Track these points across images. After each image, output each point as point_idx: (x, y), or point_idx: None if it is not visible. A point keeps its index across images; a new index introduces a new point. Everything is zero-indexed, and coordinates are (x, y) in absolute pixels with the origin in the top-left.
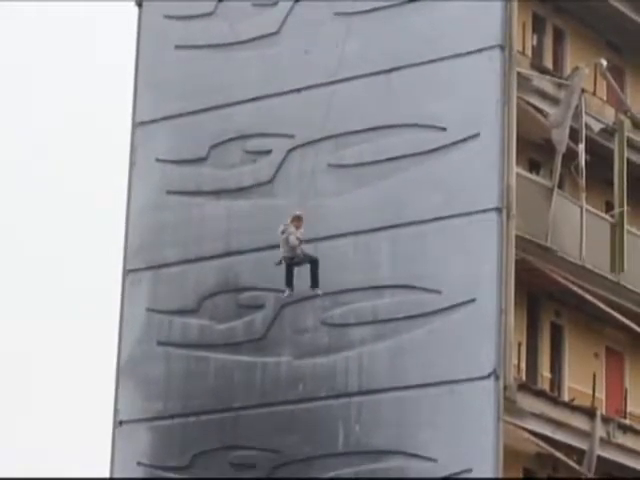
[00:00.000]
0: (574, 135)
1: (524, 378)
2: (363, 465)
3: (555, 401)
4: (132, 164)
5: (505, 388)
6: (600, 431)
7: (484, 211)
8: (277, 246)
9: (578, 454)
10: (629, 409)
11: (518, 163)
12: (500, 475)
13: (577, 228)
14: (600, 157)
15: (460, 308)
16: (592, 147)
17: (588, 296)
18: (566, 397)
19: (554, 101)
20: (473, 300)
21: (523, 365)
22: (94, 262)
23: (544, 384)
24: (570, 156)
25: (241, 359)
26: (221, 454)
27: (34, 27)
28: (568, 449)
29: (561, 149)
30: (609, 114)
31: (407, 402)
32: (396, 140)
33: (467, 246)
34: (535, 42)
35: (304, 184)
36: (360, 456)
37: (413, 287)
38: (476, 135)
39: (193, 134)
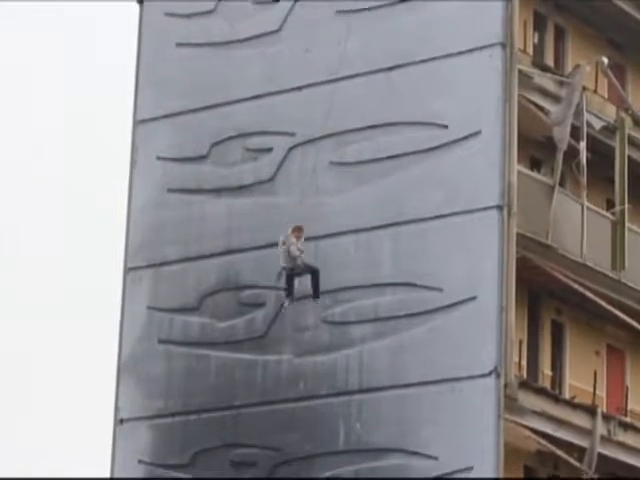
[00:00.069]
0: (575, 133)
1: (525, 376)
2: (364, 463)
3: (556, 399)
4: (133, 162)
5: (506, 386)
6: (601, 429)
7: (485, 209)
8: (278, 244)
9: (579, 452)
10: (630, 407)
11: (519, 161)
12: (501, 473)
13: (578, 226)
14: (601, 155)
15: (461, 306)
16: (593, 145)
17: (589, 294)
18: (567, 395)
19: (555, 99)
20: (474, 298)
21: (524, 363)
22: (95, 260)
23: (545, 382)
24: (571, 154)
25: (242, 357)
26: (222, 452)
27: (34, 26)
28: (569, 447)
29: (562, 147)
30: (610, 112)
31: (408, 400)
32: (397, 138)
33: (468, 244)
34: (536, 40)
35: (305, 182)
36: (361, 454)
37: (414, 285)
38: (477, 133)
39: (194, 132)
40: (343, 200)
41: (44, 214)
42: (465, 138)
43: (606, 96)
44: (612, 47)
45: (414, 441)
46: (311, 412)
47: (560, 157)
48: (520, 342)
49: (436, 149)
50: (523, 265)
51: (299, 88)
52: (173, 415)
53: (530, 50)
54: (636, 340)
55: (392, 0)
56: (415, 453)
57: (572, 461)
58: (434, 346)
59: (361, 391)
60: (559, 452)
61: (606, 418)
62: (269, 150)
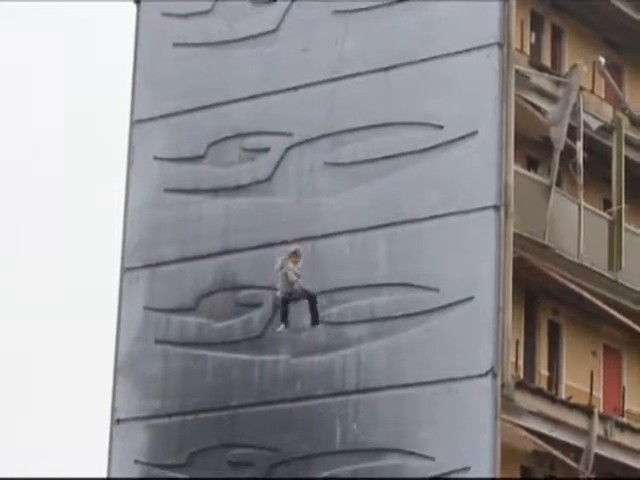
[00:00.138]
0: (572, 133)
1: (522, 376)
2: (361, 463)
3: (553, 399)
4: (130, 162)
5: (503, 386)
6: (598, 429)
7: (482, 209)
8: (275, 244)
9: (575, 452)
10: (626, 407)
11: (516, 161)
12: (498, 473)
13: (575, 226)
14: (598, 155)
15: (458, 306)
16: (590, 145)
17: (586, 294)
18: (564, 395)
19: (552, 99)
20: (471, 298)
21: (521, 363)
22: (92, 260)
23: (542, 382)
24: (568, 154)
25: (239, 357)
26: (219, 452)
27: (33, 26)
28: (565, 447)
29: (559, 147)
30: (607, 112)
31: (405, 400)
32: (394, 138)
33: (465, 244)
34: (533, 40)
35: (302, 182)
36: (358, 454)
37: (410, 285)
38: (474, 133)
39: (191, 132)
40: (340, 200)
41: (41, 213)
42: (462, 138)
43: (603, 96)
44: (609, 47)
45: (411, 441)
46: (308, 412)
47: (557, 157)
48: (517, 342)
49: (433, 149)
50: (520, 265)
51: (296, 88)
52: (170, 415)
53: (527, 50)
54: (633, 340)
55: (389, 0)
56: (412, 453)
57: (569, 461)
58: (431, 346)
59: (358, 391)
60: (556, 452)
61: (603, 418)
62: (266, 150)
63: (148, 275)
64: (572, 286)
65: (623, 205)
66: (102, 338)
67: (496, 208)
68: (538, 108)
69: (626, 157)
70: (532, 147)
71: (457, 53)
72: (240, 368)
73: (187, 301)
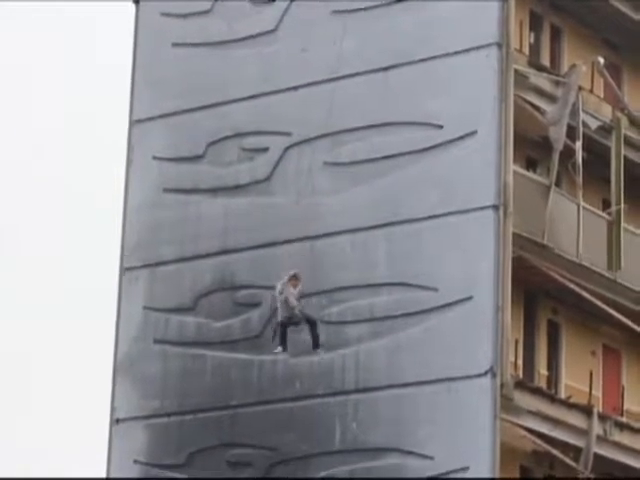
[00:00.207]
0: (571, 133)
1: (521, 376)
2: (360, 463)
3: (552, 399)
4: (129, 162)
5: (502, 386)
6: (597, 429)
7: (481, 209)
8: (274, 244)
9: (575, 452)
10: (626, 407)
11: (515, 161)
12: (497, 473)
13: (574, 226)
14: (597, 155)
15: (457, 306)
16: (589, 145)
17: (585, 294)
18: (563, 395)
19: (551, 99)
20: (470, 298)
21: (520, 363)
22: (91, 260)
23: (541, 382)
24: (567, 154)
25: (238, 357)
26: (218, 452)
27: (32, 26)
28: (565, 447)
29: (558, 147)
30: (606, 112)
31: (404, 400)
32: (393, 138)
33: (464, 244)
34: (532, 40)
35: (301, 182)
36: (357, 454)
37: (410, 285)
38: (473, 133)
39: (190, 132)
40: (339, 200)
41: (41, 213)
42: (461, 138)
43: (602, 96)
44: (608, 47)
45: (410, 441)
46: (307, 412)
47: (556, 157)
48: (516, 342)
49: (432, 149)
50: (519, 265)
51: (295, 88)
52: (169, 415)
53: (526, 50)
54: (632, 340)
55: (388, 0)
56: (411, 453)
57: (568, 461)
58: (430, 346)
59: (357, 391)
60: (555, 452)
61: (602, 418)
62: (265, 150)
63: (147, 275)
64: (571, 286)
65: (622, 205)
66: (101, 338)
67: (495, 208)
68: (537, 108)
69: (625, 157)
70: (531, 147)
71: (456, 53)
72: (239, 368)
73: (186, 301)
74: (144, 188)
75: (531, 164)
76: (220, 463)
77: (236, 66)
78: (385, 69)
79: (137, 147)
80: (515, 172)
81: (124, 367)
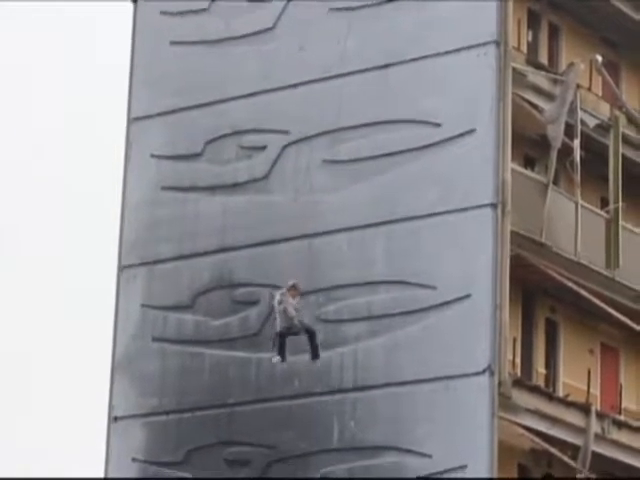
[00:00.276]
0: (569, 131)
1: (519, 374)
2: (358, 461)
3: (550, 397)
4: (127, 160)
5: (500, 384)
6: (595, 427)
7: (479, 207)
8: (272, 242)
9: (573, 450)
10: (624, 405)
11: (513, 159)
12: (495, 471)
13: (572, 224)
14: (595, 153)
15: (455, 304)
16: (587, 143)
17: (583, 292)
18: (561, 393)
19: (549, 97)
20: (468, 296)
21: (518, 361)
22: (89, 258)
23: (539, 380)
24: (565, 152)
25: (236, 355)
26: (216, 450)
27: (31, 26)
28: (563, 445)
29: (556, 145)
30: (604, 110)
31: (402, 398)
32: (391, 136)
33: (462, 242)
34: (530, 38)
35: (299, 180)
36: (355, 452)
37: (408, 283)
38: (471, 131)
39: (188, 130)
40: (337, 198)
41: (38, 211)
42: (459, 136)
43: (600, 94)
44: (606, 45)
45: (408, 439)
46: (305, 410)
47: (554, 155)
48: (514, 340)
49: (430, 147)
50: (517, 263)
51: (294, 86)
52: (167, 413)
53: (524, 48)
54: (630, 338)
55: None
56: (409, 451)
57: (566, 459)
58: (428, 344)
59: (355, 389)
60: (553, 450)
61: (600, 416)
62: (263, 148)
63: (145, 273)
64: (569, 284)
65: (620, 203)
66: (99, 336)
67: (493, 206)
68: (535, 106)
69: (623, 155)
70: (529, 145)
71: (454, 51)
72: (237, 366)
73: (184, 299)
74: (142, 186)
75: (529, 162)
76: (218, 461)
77: (234, 64)
78: (384, 67)
79: (135, 145)
80: (513, 170)
81: (122, 365)
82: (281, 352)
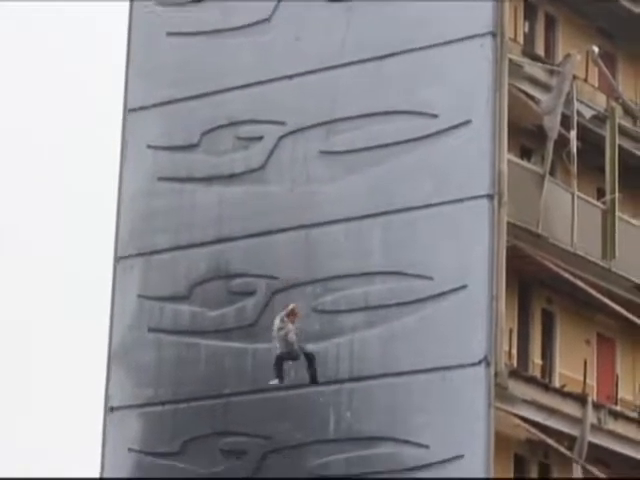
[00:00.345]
0: (566, 122)
1: (515, 365)
2: (354, 452)
3: (546, 388)
4: (123, 151)
5: (496, 375)
6: (591, 417)
7: (475, 198)
8: (269, 232)
9: (569, 440)
10: (620, 395)
11: (509, 150)
12: (491, 461)
13: (568, 215)
14: (592, 144)
15: (451, 295)
16: (584, 134)
17: (579, 283)
18: (557, 384)
19: (546, 88)
20: (464, 287)
21: (514, 352)
22: (85, 249)
23: (535, 371)
24: (561, 143)
25: (232, 345)
26: (212, 440)
27: (30, 23)
28: (559, 435)
29: (552, 136)
30: (601, 101)
31: (398, 389)
32: (388, 127)
33: (458, 233)
34: (527, 29)
35: (296, 171)
36: (351, 443)
37: (404, 274)
38: (467, 122)
39: (185, 121)
40: (334, 189)
41: (34, 202)
42: (455, 127)
43: (596, 85)
44: (602, 36)
45: (405, 430)
46: (302, 401)
47: (550, 146)
48: (510, 331)
49: (426, 138)
50: (513, 254)
51: (290, 77)
52: (163, 403)
53: (520, 39)
54: (626, 329)
55: None
56: (406, 441)
57: (562, 450)
58: (424, 335)
59: (352, 380)
60: (549, 441)
61: (596, 407)
62: (260, 139)
63: (142, 263)
64: (566, 275)
65: (617, 194)
66: (96, 326)
67: (490, 197)
68: (531, 97)
69: (619, 146)
70: (526, 136)
71: (450, 42)
72: (233, 356)
73: (181, 289)
74: (138, 177)
75: (525, 153)
76: (214, 451)
77: (230, 55)
78: (380, 58)
79: (131, 136)
80: (510, 161)
81: (118, 355)
82: (279, 375)
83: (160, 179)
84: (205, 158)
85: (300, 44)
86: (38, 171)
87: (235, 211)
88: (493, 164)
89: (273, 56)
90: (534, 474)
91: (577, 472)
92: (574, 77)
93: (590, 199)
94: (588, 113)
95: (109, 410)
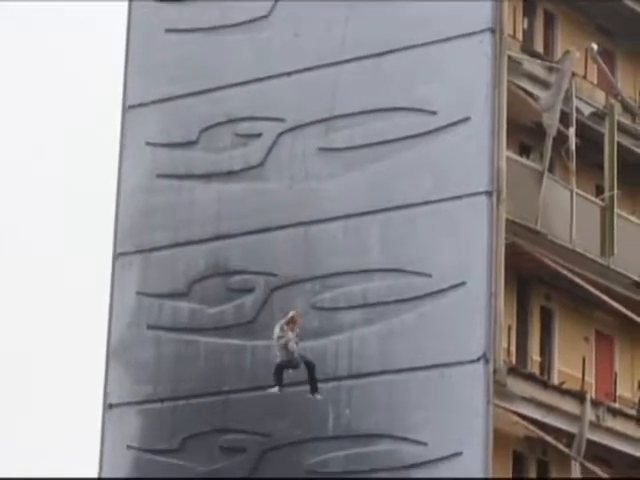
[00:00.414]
0: (564, 119)
1: (514, 362)
2: (353, 449)
3: (545, 385)
4: (122, 148)
5: (495, 372)
6: (590, 415)
7: (474, 194)
8: (268, 229)
9: (568, 437)
10: (618, 393)
11: (508, 147)
12: (490, 458)
13: (567, 212)
14: (590, 141)
15: (450, 292)
16: (582, 131)
17: (578, 280)
18: (556, 381)
19: (545, 85)
20: (463, 284)
21: (513, 349)
22: (84, 246)
23: (534, 368)
24: (560, 140)
25: (231, 343)
26: (211, 437)
27: (30, 21)
28: (558, 432)
29: (551, 133)
30: (600, 98)
31: (397, 386)
32: (387, 124)
33: (457, 230)
34: (526, 26)
35: (294, 168)
36: (350, 440)
37: (403, 271)
38: (466, 119)
39: (183, 118)
40: (332, 186)
41: (33, 199)
42: (454, 124)
43: (595, 82)
44: (601, 33)
45: (403, 427)
46: (300, 398)
47: (549, 143)
48: (509, 328)
49: (425, 135)
50: (512, 251)
51: (289, 74)
52: (162, 400)
53: (519, 36)
54: (625, 326)
55: None
56: (404, 439)
57: (561, 447)
58: (423, 332)
59: (350, 377)
60: (548, 438)
61: (595, 404)
62: (259, 135)
63: (140, 260)
64: (564, 272)
65: (615, 191)
66: (94, 323)
67: (488, 194)
68: (530, 94)
69: (618, 143)
70: (524, 133)
71: (449, 39)
72: (232, 353)
73: (179, 286)
74: (137, 174)
75: (524, 150)
76: (213, 448)
77: (229, 52)
78: (379, 55)
79: (130, 133)
80: (508, 158)
81: (117, 352)
82: (279, 383)
83: (159, 176)
84: (204, 155)
85: (299, 41)
86: (37, 168)
87: (234, 208)
88: (492, 161)
89: (272, 53)
90: (532, 471)
91: (575, 469)
92: (573, 74)
93: (589, 196)
94: (587, 110)
95: (108, 407)
